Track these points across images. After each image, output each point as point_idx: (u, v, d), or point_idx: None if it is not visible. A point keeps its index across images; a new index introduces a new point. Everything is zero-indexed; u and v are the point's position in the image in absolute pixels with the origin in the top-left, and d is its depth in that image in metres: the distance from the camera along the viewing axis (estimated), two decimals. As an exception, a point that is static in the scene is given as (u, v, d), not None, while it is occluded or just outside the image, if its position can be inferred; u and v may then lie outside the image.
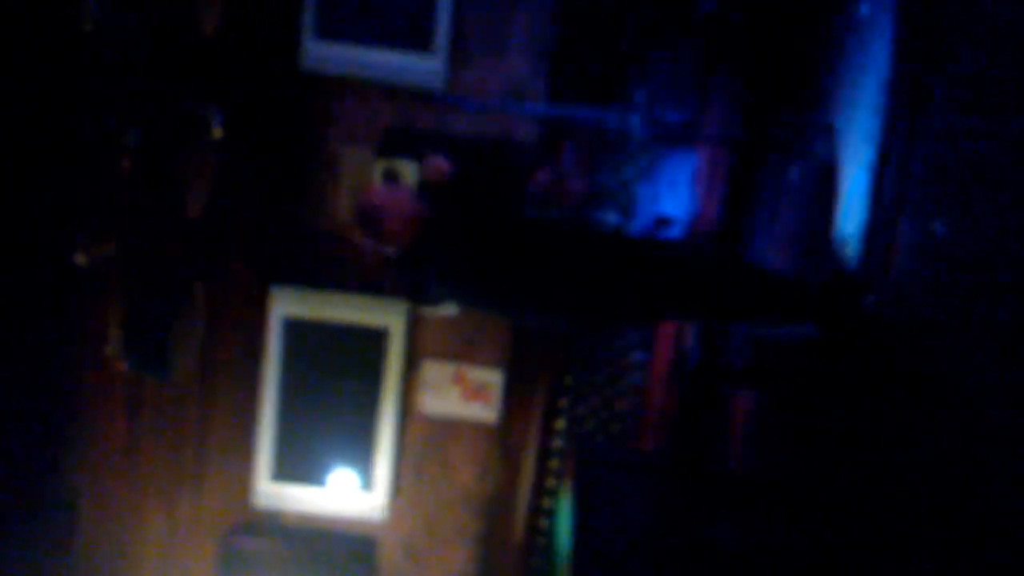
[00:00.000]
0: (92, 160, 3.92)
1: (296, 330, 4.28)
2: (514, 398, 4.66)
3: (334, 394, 4.39)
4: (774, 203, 5.12)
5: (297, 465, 4.48)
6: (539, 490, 4.82)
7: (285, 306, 4.25)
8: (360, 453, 4.51)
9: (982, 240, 2.53)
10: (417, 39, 4.00)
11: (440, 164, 3.06)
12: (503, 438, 4.66)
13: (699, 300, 3.11)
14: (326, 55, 3.99)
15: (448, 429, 4.61)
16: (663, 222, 4.24)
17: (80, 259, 4.02)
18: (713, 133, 5.24)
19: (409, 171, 4.13)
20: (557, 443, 4.86)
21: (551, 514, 4.89)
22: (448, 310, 4.10)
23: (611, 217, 4.83)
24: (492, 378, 4.60)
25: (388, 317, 4.37)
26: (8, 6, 3.50)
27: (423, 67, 4.02)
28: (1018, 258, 2.31)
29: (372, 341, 4.37)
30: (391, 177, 4.12)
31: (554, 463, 4.85)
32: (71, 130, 3.87)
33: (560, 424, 4.88)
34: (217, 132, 3.84)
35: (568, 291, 2.93)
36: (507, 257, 2.90)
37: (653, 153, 5.00)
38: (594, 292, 2.94)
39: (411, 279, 3.05)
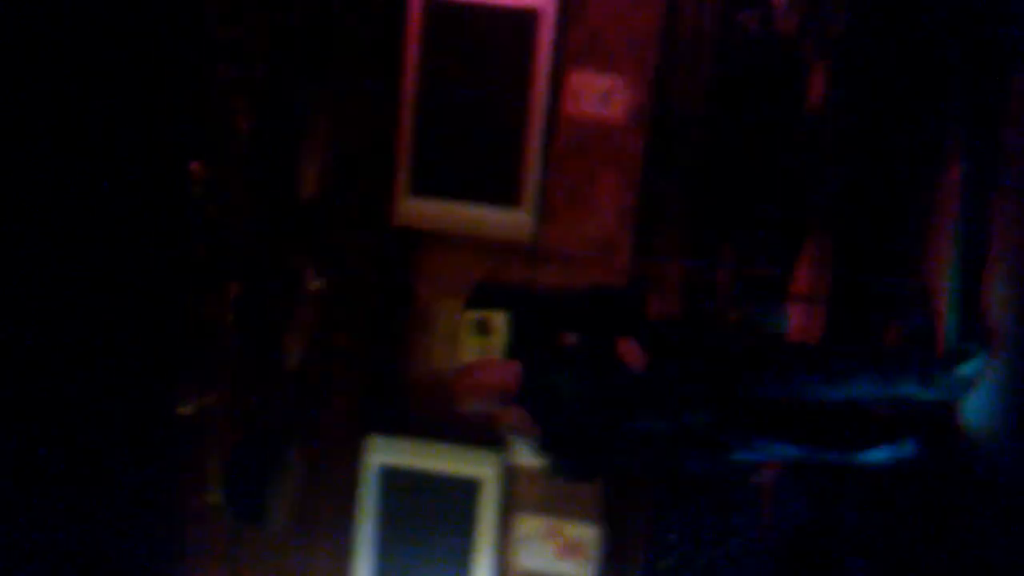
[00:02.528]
0: (197, 314, 4.14)
1: (391, 479, 4.35)
2: (611, 556, 4.54)
3: (428, 545, 4.38)
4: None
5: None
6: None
7: (381, 455, 4.34)
8: (454, 608, 4.44)
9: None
10: (507, 195, 4.22)
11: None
12: (600, 598, 4.51)
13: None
14: (419, 211, 4.24)
15: (543, 586, 4.50)
16: None
17: (184, 409, 4.17)
18: (803, 291, 5.23)
19: (499, 322, 4.26)
20: (657, 605, 4.67)
21: None
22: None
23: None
24: (588, 534, 4.51)
25: (482, 468, 4.40)
26: (122, 174, 3.80)
27: (512, 221, 4.22)
28: None
29: (466, 492, 4.38)
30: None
31: (655, 627, 4.64)
32: (178, 288, 4.12)
33: (660, 585, 4.71)
34: (314, 286, 4.03)
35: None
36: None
37: (743, 309, 5.01)
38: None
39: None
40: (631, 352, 3.24)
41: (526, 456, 4.42)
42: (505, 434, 3.43)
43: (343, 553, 4.43)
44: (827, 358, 3.62)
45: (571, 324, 3.43)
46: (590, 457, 3.44)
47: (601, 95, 4.31)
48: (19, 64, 3.45)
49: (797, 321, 5.15)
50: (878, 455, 3.55)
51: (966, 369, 3.27)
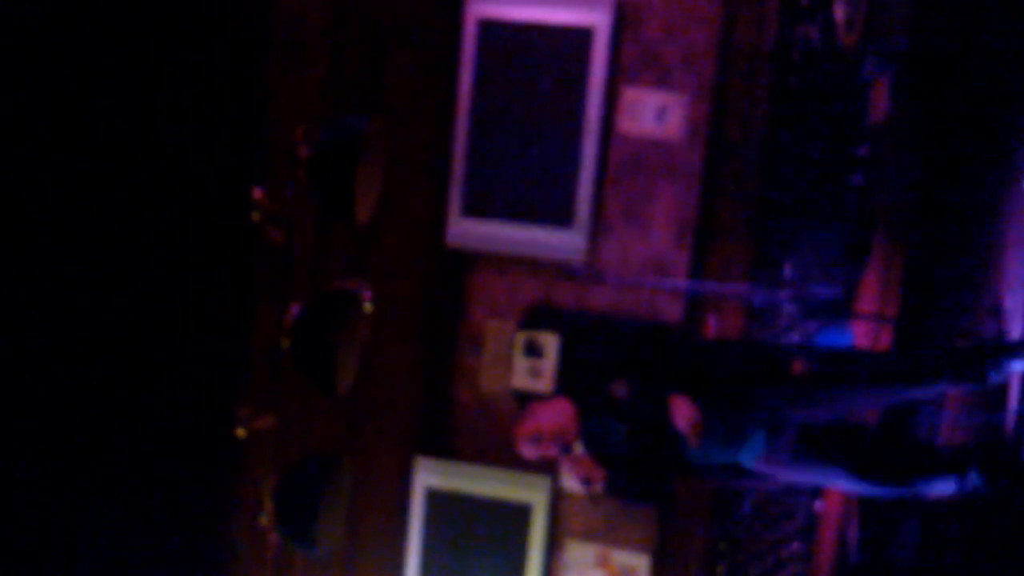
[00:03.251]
0: (254, 339, 4.13)
1: (439, 502, 4.31)
2: (662, 585, 4.44)
3: (475, 569, 4.32)
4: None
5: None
6: None
7: (429, 477, 4.30)
8: (501, 636, 4.37)
9: None
10: (559, 216, 4.16)
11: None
12: (650, 627, 4.41)
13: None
14: (470, 232, 4.22)
15: (592, 615, 4.41)
16: None
17: (240, 432, 4.17)
18: (869, 310, 5.09)
19: (550, 344, 4.21)
20: (709, 636, 4.54)
21: None
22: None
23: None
24: (638, 563, 4.41)
25: (531, 493, 4.33)
26: (188, 200, 3.82)
27: (564, 241, 4.15)
28: None
29: (514, 516, 4.32)
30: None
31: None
32: (242, 312, 4.13)
33: (713, 615, 4.58)
34: (367, 307, 4.01)
35: None
36: None
37: (805, 329, 4.89)
38: None
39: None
40: (683, 415, 3.24)
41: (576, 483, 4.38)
42: (575, 483, 3.52)
43: (390, 573, 4.39)
44: (873, 367, 3.60)
45: (621, 368, 3.46)
46: (651, 483, 3.50)
47: (657, 112, 4.22)
48: (83, 85, 3.48)
49: (863, 340, 5.02)
50: (942, 487, 3.48)
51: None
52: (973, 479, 3.33)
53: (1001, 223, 4.58)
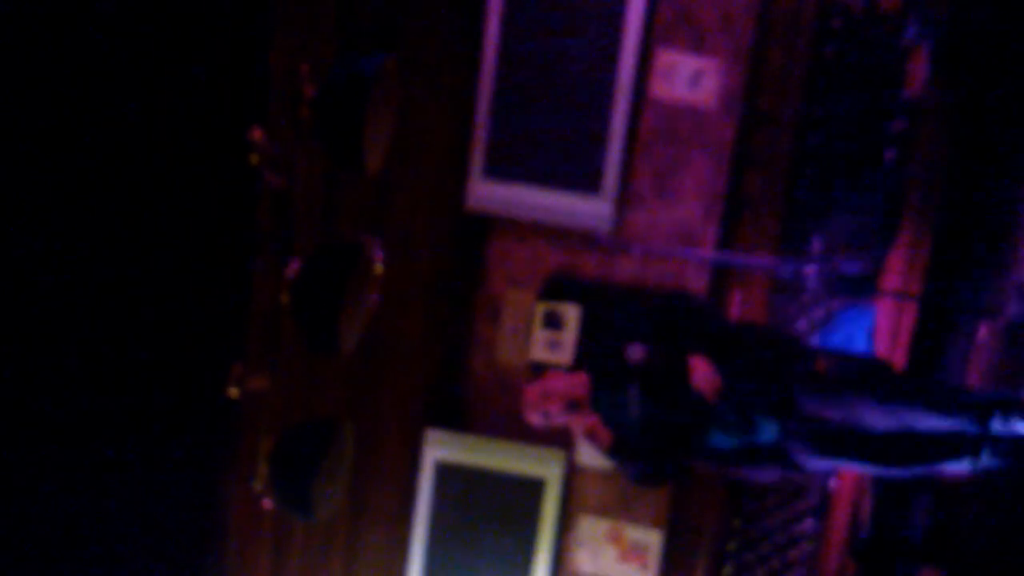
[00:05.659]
0: (251, 291, 3.94)
1: (449, 475, 4.19)
2: (673, 562, 4.37)
3: (485, 544, 4.23)
4: (961, 364, 4.78)
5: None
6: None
7: (439, 449, 4.18)
8: (508, 610, 4.29)
9: None
10: (586, 182, 4.00)
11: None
12: (661, 606, 4.34)
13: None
14: (492, 195, 4.06)
15: (601, 591, 4.34)
16: None
17: (233, 391, 3.99)
18: (894, 288, 4.97)
19: (571, 316, 4.07)
20: (720, 615, 4.49)
21: None
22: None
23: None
24: (651, 539, 4.34)
25: (545, 467, 4.22)
26: (179, 137, 3.59)
27: (590, 209, 4.01)
28: None
29: (527, 491, 4.21)
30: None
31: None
32: (238, 263, 3.93)
33: (723, 595, 4.53)
34: (378, 268, 3.81)
35: None
36: None
37: (829, 305, 4.78)
38: None
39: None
40: (703, 375, 3.13)
41: (590, 457, 4.27)
42: (578, 439, 3.43)
43: (395, 547, 4.29)
44: (890, 388, 3.49)
45: (641, 333, 3.33)
46: (659, 465, 3.43)
47: (691, 77, 4.05)
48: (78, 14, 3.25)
49: (887, 319, 4.91)
50: (956, 467, 3.41)
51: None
52: (990, 459, 3.25)
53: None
